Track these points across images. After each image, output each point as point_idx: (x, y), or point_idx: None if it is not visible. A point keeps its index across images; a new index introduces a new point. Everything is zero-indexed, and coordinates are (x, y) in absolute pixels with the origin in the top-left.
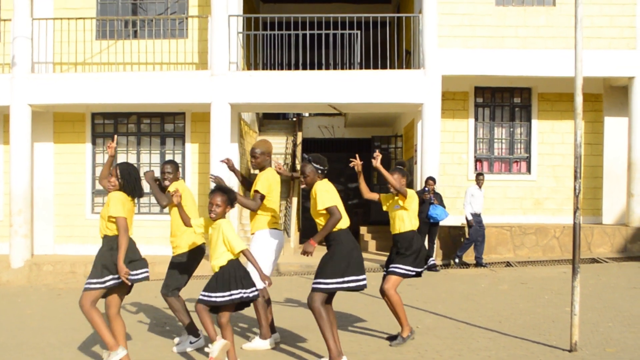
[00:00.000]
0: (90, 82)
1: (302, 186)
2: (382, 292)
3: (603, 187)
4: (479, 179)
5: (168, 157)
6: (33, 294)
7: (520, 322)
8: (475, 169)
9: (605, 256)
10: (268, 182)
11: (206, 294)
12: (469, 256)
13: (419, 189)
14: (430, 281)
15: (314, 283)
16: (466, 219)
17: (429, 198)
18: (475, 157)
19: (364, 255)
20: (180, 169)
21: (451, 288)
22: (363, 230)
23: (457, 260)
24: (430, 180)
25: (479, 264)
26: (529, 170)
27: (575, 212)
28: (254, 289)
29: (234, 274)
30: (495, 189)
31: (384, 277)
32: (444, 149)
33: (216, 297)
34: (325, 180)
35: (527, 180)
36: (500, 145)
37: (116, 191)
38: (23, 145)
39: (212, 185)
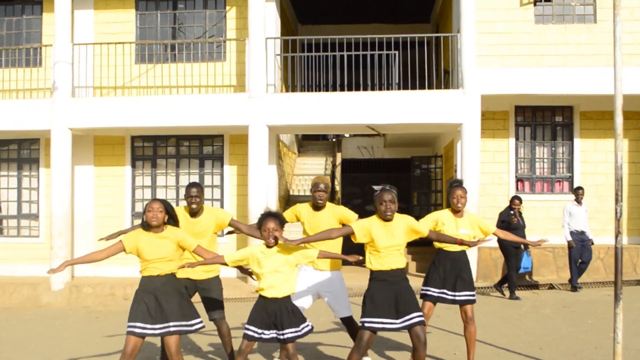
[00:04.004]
0: (129, 106)
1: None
2: (470, 321)
3: None
4: (578, 193)
5: (207, 179)
6: (71, 316)
7: (562, 348)
8: (517, 188)
9: None
10: None
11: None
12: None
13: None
14: None
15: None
16: (566, 239)
17: (516, 222)
18: (516, 176)
19: None
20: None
21: (491, 311)
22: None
23: (576, 287)
24: (517, 200)
25: (573, 287)
26: (571, 189)
27: (616, 237)
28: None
29: None
30: (537, 209)
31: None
32: (484, 169)
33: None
34: None
35: (569, 200)
36: (541, 164)
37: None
38: (64, 169)
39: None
